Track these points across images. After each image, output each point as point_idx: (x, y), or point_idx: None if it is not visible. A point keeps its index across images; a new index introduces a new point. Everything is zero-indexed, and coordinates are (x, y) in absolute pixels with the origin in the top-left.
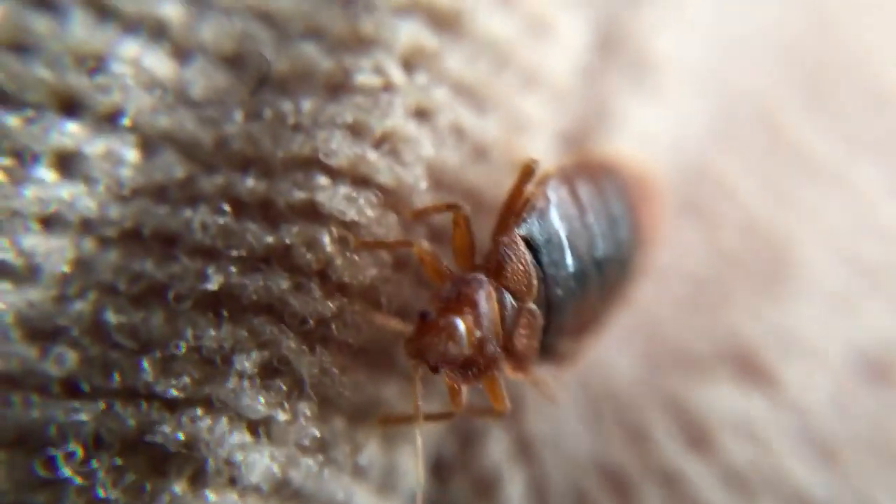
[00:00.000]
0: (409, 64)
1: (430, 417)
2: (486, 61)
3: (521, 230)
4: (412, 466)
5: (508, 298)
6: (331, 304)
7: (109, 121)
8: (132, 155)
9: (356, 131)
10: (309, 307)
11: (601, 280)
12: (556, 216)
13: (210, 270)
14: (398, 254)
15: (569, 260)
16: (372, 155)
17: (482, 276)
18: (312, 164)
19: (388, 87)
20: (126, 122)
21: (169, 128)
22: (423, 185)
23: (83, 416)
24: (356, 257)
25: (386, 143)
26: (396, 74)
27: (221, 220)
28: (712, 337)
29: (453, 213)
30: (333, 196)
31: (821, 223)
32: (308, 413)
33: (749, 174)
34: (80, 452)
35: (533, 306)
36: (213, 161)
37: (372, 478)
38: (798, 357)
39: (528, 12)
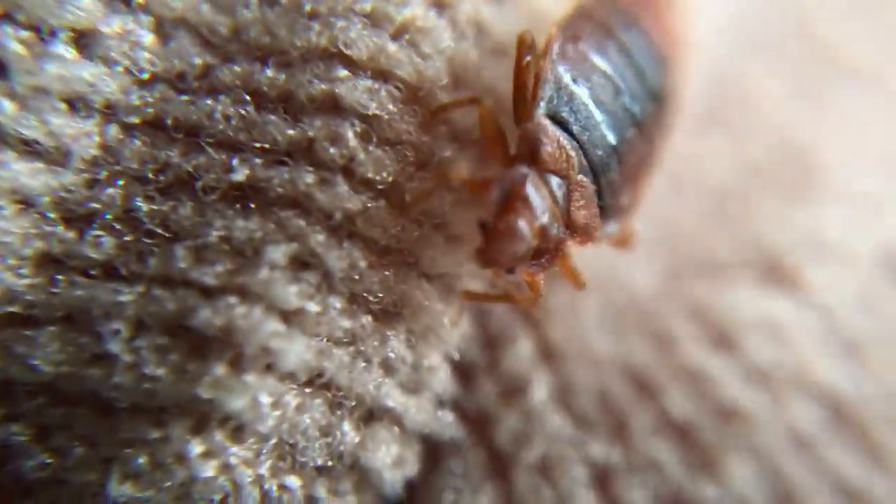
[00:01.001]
0: None
1: (507, 299)
2: None
3: (542, 110)
4: (436, 364)
5: (554, 179)
6: (357, 199)
7: None
8: (148, 38)
9: (375, 20)
10: (335, 202)
11: (638, 120)
12: (570, 80)
13: (235, 162)
14: (421, 153)
15: (598, 117)
16: (392, 46)
17: (523, 168)
18: (331, 55)
19: None
20: None
21: (182, 10)
22: (444, 80)
23: (124, 297)
24: (380, 152)
25: (405, 33)
26: None
27: (243, 111)
28: (737, 244)
29: (478, 107)
30: (354, 89)
31: (851, 126)
32: (338, 306)
33: (778, 80)
34: (125, 330)
35: (579, 177)
36: (230, 50)
37: (400, 374)
38: (824, 259)
39: None
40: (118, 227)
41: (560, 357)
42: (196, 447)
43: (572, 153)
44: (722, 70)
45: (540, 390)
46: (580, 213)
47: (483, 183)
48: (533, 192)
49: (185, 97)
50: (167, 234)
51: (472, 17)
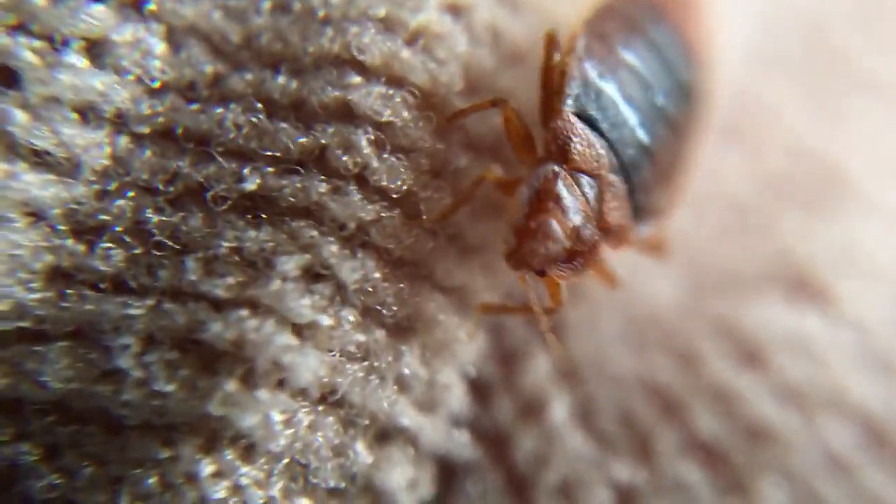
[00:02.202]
0: None
1: (526, 311)
2: None
3: (570, 107)
4: (451, 381)
5: (585, 179)
6: (370, 208)
7: (135, 7)
8: (160, 47)
9: (389, 25)
10: (347, 211)
11: (669, 117)
12: (597, 76)
13: (246, 171)
14: (436, 161)
15: (627, 115)
16: (406, 52)
17: (553, 167)
18: (344, 61)
19: None
20: (151, 6)
21: (194, 18)
22: (460, 86)
23: (134, 311)
24: (394, 160)
25: (420, 39)
26: None
27: (254, 119)
28: (762, 259)
29: (502, 108)
30: (368, 95)
31: (875, 140)
32: (352, 319)
33: (796, 93)
34: (134, 345)
35: (611, 176)
36: (241, 58)
37: (415, 391)
38: (854, 273)
39: None
40: (128, 239)
41: (580, 374)
42: (207, 467)
43: (602, 151)
44: (740, 85)
45: (559, 409)
46: (613, 213)
47: (515, 181)
48: (565, 190)
49: (195, 106)
50: (177, 246)
51: (488, 22)
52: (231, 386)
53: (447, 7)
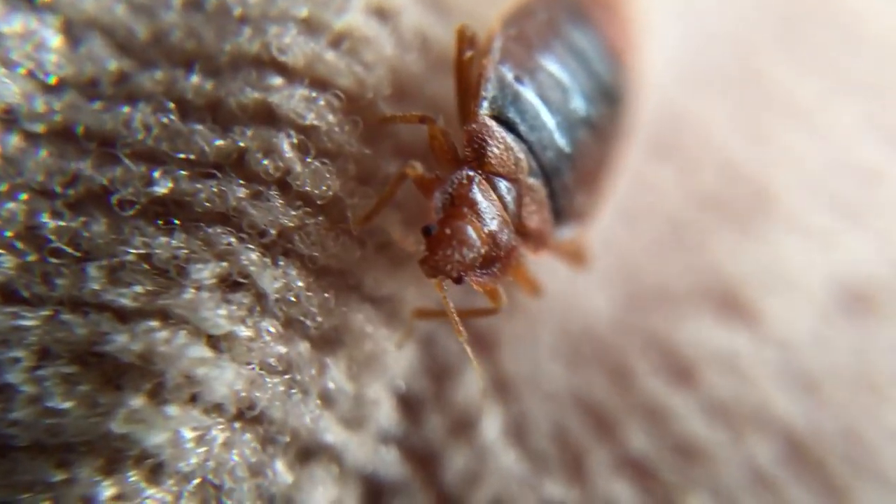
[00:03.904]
0: None
1: (471, 313)
2: None
3: (485, 110)
4: (379, 396)
5: (502, 183)
6: (293, 214)
7: None
8: (55, 40)
9: (311, 27)
10: (268, 217)
11: (590, 120)
12: (513, 79)
13: (157, 174)
14: (363, 167)
15: (546, 117)
16: (330, 54)
17: (468, 171)
18: (264, 62)
19: None
20: None
21: (95, 12)
22: (387, 91)
23: (26, 323)
24: (318, 165)
25: (345, 41)
26: None
27: (165, 120)
28: (693, 275)
29: (428, 126)
30: (290, 98)
31: (798, 161)
32: (273, 330)
33: (725, 115)
34: (26, 359)
35: (529, 180)
36: (150, 55)
37: (341, 406)
38: (780, 292)
39: None
40: (19, 245)
41: (514, 389)
42: (106, 490)
43: (521, 155)
44: (670, 101)
45: (492, 426)
46: (532, 217)
47: (437, 181)
48: (480, 195)
49: (98, 104)
50: (77, 253)
51: (416, 27)
52: (137, 401)
53: (373, 10)
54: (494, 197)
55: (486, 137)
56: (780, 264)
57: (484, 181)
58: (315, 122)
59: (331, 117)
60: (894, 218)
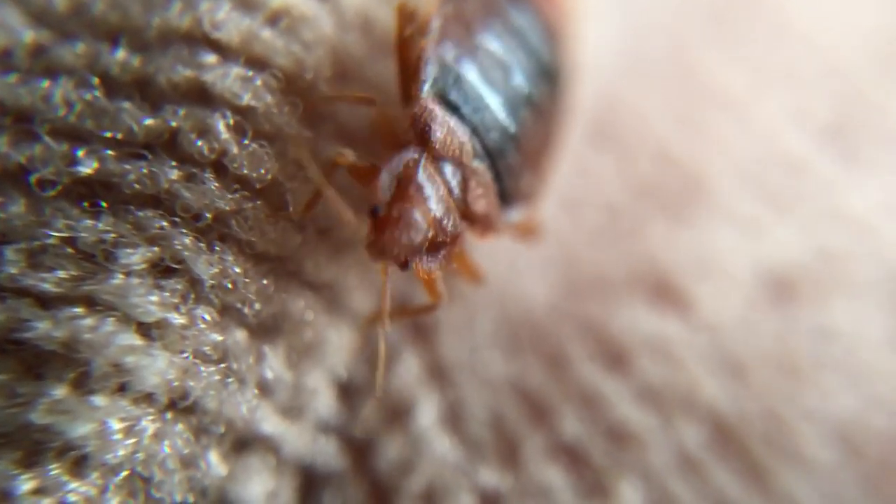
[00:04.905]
0: None
1: (409, 312)
2: None
3: (427, 92)
4: (319, 385)
5: (447, 166)
6: (230, 198)
7: None
8: None
9: (246, 3)
10: (203, 200)
11: (532, 100)
12: (454, 59)
13: (80, 153)
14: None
15: (489, 99)
16: (267, 32)
17: (413, 154)
18: (197, 38)
19: None
20: None
21: None
22: (327, 72)
23: None
24: (255, 147)
25: (282, 19)
26: None
27: (89, 97)
28: (629, 262)
29: (373, 109)
30: (225, 76)
31: (729, 151)
32: (208, 318)
33: (660, 104)
34: None
35: (475, 163)
36: (69, 27)
37: (278, 396)
38: (710, 279)
39: None
40: None
41: (450, 375)
42: (25, 483)
43: (465, 138)
44: (607, 88)
45: (427, 412)
46: (479, 202)
47: (371, 169)
48: (426, 178)
49: (12, 77)
50: None
51: (358, 7)
52: (60, 391)
53: None
54: (440, 181)
55: (430, 121)
56: (710, 252)
57: (429, 164)
58: (252, 103)
59: (269, 98)
60: (816, 207)
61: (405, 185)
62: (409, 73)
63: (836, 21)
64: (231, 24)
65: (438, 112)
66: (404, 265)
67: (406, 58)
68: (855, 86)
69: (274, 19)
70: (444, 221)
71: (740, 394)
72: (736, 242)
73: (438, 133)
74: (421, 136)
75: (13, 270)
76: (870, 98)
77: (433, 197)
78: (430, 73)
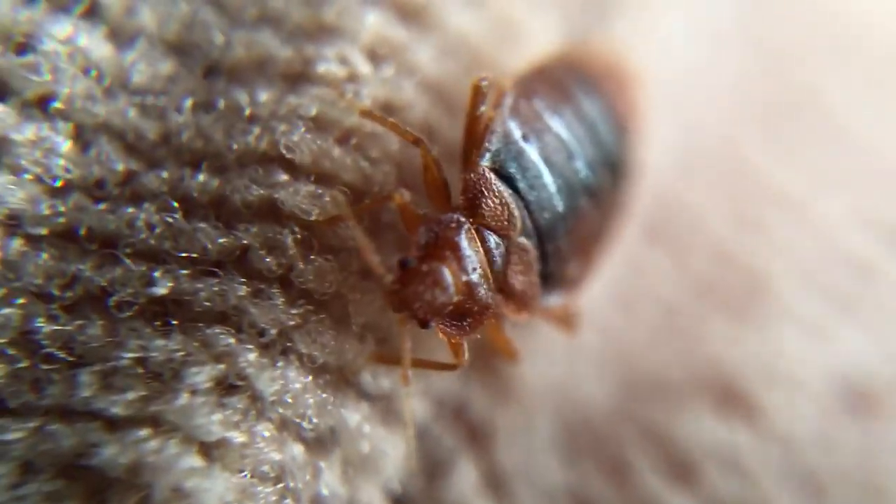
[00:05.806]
0: (375, 55)
1: (429, 365)
2: (456, 59)
3: (487, 161)
4: (374, 499)
5: (492, 237)
6: (295, 312)
7: (39, 105)
8: (65, 145)
9: (320, 125)
10: (269, 316)
11: (592, 189)
12: (520, 136)
13: (157, 274)
14: (366, 262)
15: (547, 179)
16: (337, 151)
17: (460, 216)
18: (272, 159)
19: (353, 79)
20: (58, 105)
21: (106, 116)
22: (392, 186)
23: (12, 436)
24: (322, 261)
25: (352, 138)
26: (362, 65)
27: (170, 219)
28: (689, 363)
29: (421, 150)
30: (295, 194)
31: (789, 252)
32: (267, 435)
33: (715, 202)
34: (8, 475)
35: (521, 240)
36: (157, 155)
37: None
38: (779, 385)
39: (498, 13)
40: (11, 351)
41: (508, 485)
42: None
43: (516, 212)
44: (664, 187)
45: None
46: (517, 278)
47: (420, 218)
48: (465, 242)
49: (102, 205)
50: (70, 358)
51: (422, 122)
52: None
53: (381, 107)
54: (480, 249)
55: (483, 188)
56: (777, 356)
57: (473, 231)
58: (319, 218)
59: (335, 213)
60: (889, 315)
61: (442, 244)
62: (474, 140)
63: (891, 122)
64: (304, 145)
65: (494, 182)
66: (424, 323)
67: (473, 130)
68: None
69: (344, 138)
70: (476, 289)
71: None
72: (803, 346)
73: (490, 202)
74: (472, 201)
75: (86, 393)
76: None
77: (469, 262)
78: (493, 143)
